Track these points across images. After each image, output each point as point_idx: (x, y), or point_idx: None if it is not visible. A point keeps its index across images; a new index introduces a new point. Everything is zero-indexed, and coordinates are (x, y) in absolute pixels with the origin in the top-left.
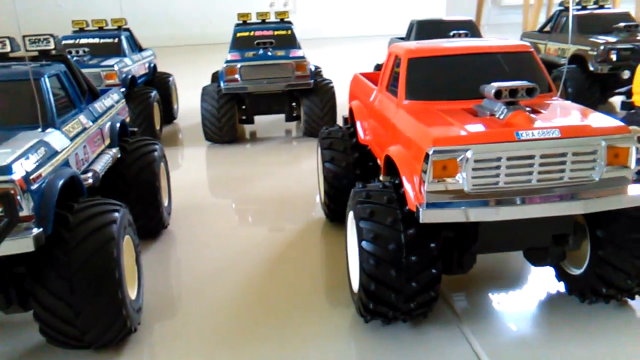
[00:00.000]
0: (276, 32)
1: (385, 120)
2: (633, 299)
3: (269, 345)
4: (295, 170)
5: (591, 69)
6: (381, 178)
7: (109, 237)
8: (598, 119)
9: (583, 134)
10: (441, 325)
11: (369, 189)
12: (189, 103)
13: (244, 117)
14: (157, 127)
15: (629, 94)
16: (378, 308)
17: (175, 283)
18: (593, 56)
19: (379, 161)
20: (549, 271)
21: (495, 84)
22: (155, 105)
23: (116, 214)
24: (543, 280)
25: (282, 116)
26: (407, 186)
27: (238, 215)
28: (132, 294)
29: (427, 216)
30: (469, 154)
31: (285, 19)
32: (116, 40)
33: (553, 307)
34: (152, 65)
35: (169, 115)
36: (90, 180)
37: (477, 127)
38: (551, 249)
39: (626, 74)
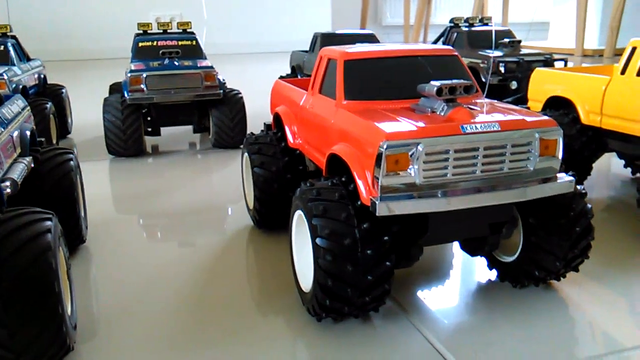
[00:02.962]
0: (181, 42)
1: (323, 121)
2: (559, 280)
3: (216, 356)
4: (207, 182)
5: (483, 80)
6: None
7: (45, 247)
8: (529, 114)
9: (520, 127)
10: (390, 319)
11: (319, 187)
12: (82, 118)
13: (149, 129)
14: (55, 142)
15: (523, 101)
16: (334, 304)
17: (102, 300)
18: (484, 68)
19: (309, 162)
20: (477, 261)
21: (436, 82)
22: (52, 118)
23: (49, 222)
24: (471, 271)
25: (184, 128)
26: (359, 182)
27: (157, 230)
28: (68, 309)
29: (382, 209)
30: (420, 148)
31: (188, 30)
32: (1, 47)
33: (488, 294)
34: (42, 76)
35: (63, 129)
36: (9, 190)
37: (424, 123)
38: (489, 238)
39: (514, 85)
